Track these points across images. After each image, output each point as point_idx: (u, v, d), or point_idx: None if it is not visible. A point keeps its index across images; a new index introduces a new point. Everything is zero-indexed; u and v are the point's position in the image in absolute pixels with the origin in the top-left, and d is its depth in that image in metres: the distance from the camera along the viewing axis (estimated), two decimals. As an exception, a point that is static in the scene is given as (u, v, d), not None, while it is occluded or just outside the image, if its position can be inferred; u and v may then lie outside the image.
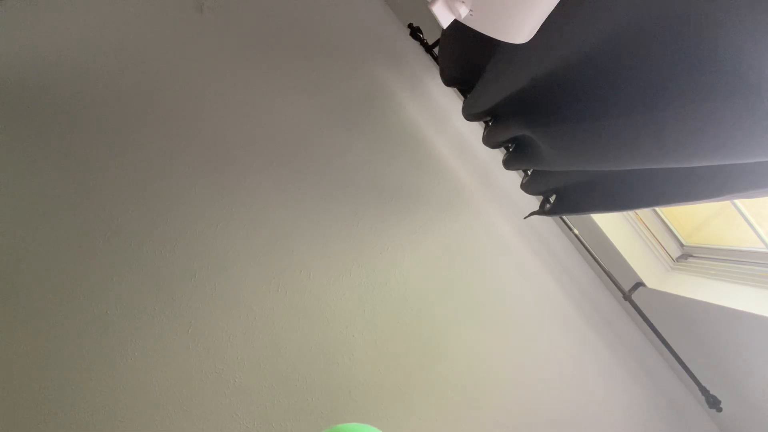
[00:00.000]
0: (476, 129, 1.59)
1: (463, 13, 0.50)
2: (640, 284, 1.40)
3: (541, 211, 1.33)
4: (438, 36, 1.30)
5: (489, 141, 1.29)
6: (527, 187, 1.35)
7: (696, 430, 1.48)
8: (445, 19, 0.52)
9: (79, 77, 1.26)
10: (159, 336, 1.18)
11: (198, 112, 1.34)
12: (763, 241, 1.15)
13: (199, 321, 1.21)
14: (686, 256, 1.44)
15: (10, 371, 1.09)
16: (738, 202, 1.17)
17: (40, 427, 1.09)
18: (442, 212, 1.48)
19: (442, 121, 1.57)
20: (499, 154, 1.55)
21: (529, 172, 1.33)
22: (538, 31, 0.54)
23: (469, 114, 1.30)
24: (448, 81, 1.31)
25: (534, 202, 1.55)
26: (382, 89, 1.53)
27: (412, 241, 1.42)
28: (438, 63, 1.36)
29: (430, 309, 1.39)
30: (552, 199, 1.29)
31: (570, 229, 1.40)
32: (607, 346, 1.51)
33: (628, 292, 1.37)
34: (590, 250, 1.38)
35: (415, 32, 1.44)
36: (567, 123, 0.82)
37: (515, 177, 1.57)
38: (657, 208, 1.44)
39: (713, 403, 1.22)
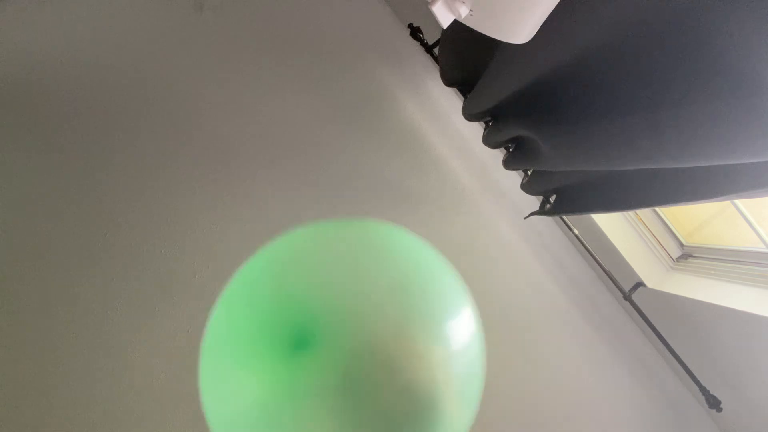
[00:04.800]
0: (476, 129, 1.59)
1: (463, 13, 0.50)
2: (640, 284, 1.41)
3: (541, 211, 1.33)
4: (438, 36, 1.30)
5: (489, 141, 1.29)
6: (527, 187, 1.35)
7: (696, 430, 1.48)
8: (445, 19, 0.52)
9: (78, 77, 1.26)
10: (159, 336, 1.18)
11: (197, 112, 1.34)
12: (763, 241, 1.15)
13: (199, 321, 1.21)
14: (686, 256, 1.44)
15: (10, 372, 1.09)
16: (738, 202, 1.17)
17: (39, 426, 1.08)
18: (442, 212, 1.48)
19: (442, 121, 1.57)
20: (499, 154, 1.55)
21: (529, 172, 1.33)
22: (539, 32, 0.54)
23: (469, 114, 1.30)
24: (448, 81, 1.31)
25: (534, 202, 1.55)
26: (382, 89, 1.53)
27: (412, 241, 1.42)
28: (438, 63, 1.36)
29: (430, 309, 1.39)
30: (552, 199, 1.29)
31: (570, 229, 1.40)
32: (607, 346, 1.51)
33: (628, 292, 1.37)
34: (590, 250, 1.38)
35: (415, 32, 1.44)
36: (567, 123, 0.82)
37: (515, 177, 1.57)
38: (657, 208, 1.44)
39: (713, 403, 1.22)
